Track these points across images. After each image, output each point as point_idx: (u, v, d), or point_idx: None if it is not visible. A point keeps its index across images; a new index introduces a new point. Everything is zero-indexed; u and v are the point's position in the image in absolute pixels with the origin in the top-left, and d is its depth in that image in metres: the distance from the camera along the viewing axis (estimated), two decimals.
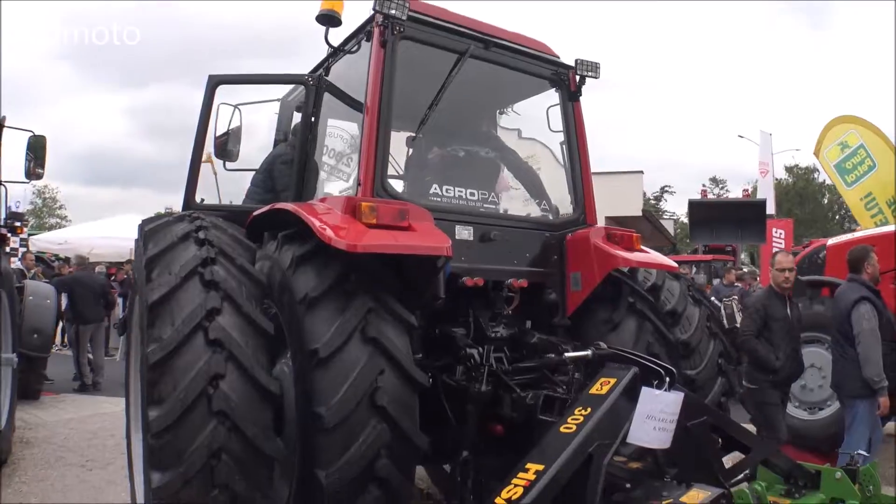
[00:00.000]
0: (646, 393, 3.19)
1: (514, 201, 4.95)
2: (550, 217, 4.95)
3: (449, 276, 4.11)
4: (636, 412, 3.15)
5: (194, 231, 3.73)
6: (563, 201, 4.98)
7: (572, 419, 3.11)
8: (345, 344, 3.41)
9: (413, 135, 4.75)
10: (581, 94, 4.99)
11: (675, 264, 4.90)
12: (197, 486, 3.08)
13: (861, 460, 4.35)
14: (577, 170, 4.93)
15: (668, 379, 3.26)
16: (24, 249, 16.29)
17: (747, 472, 4.18)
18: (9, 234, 8.39)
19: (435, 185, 4.47)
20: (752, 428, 6.09)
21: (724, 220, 19.39)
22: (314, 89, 4.92)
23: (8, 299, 7.33)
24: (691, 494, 3.02)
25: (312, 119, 4.96)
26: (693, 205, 20.79)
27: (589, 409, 3.13)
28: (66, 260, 16.06)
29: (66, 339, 14.43)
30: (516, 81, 5.04)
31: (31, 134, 7.82)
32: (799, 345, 6.15)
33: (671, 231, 37.13)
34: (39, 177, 7.89)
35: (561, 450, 2.92)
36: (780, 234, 18.64)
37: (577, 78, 4.98)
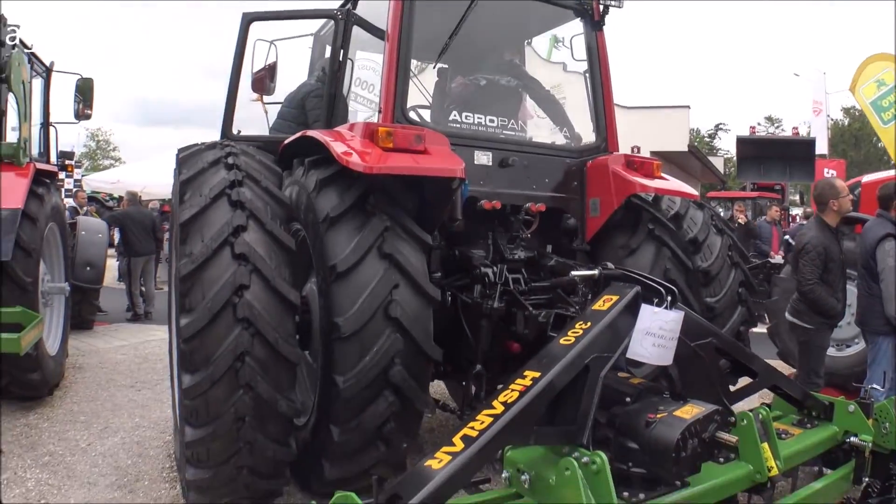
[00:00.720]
0: (645, 310, 3.30)
1: (537, 129, 5.04)
2: (572, 144, 5.03)
3: (467, 200, 4.25)
4: (636, 328, 3.28)
5: (224, 157, 3.99)
6: (585, 129, 5.04)
7: (572, 332, 3.24)
8: (362, 259, 3.63)
9: (441, 66, 4.85)
10: (604, 24, 5.00)
11: (695, 192, 4.93)
12: (223, 386, 3.37)
13: (876, 395, 4.39)
14: (599, 98, 4.98)
15: (668, 298, 3.36)
16: (77, 188, 16.95)
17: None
18: (59, 171, 8.80)
19: (455, 113, 4.59)
20: (777, 364, 6.14)
21: (772, 157, 18.92)
22: (343, 23, 5.04)
23: (59, 233, 7.71)
24: (685, 409, 3.14)
25: (342, 52, 5.09)
26: (741, 141, 20.23)
27: (589, 324, 3.26)
28: (120, 199, 16.65)
29: (119, 273, 15.06)
30: (540, 11, 5.07)
31: (79, 77, 8.21)
32: (846, 282, 5.94)
33: (721, 169, 36.07)
34: (88, 117, 8.33)
35: (558, 360, 3.07)
36: (832, 174, 18.11)
37: (601, 7, 4.98)
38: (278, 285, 3.51)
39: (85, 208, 15.48)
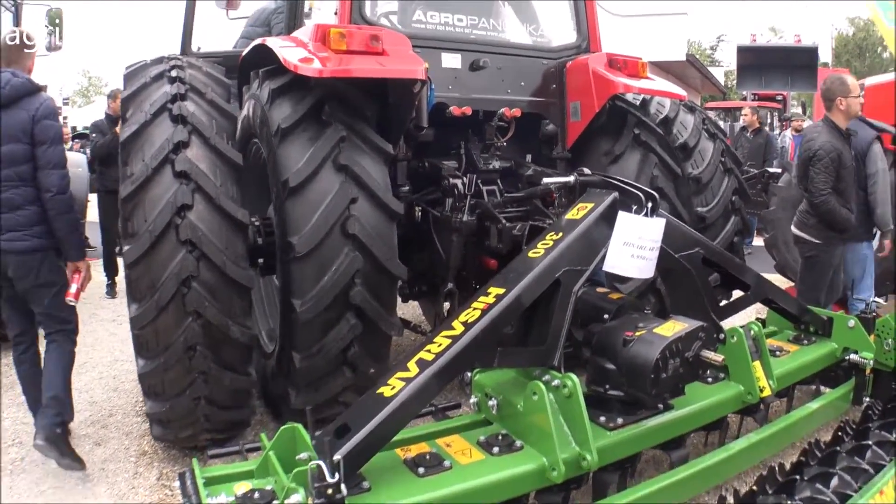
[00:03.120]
0: (623, 217, 3.01)
1: (511, 28, 4.60)
2: (550, 43, 4.61)
3: (435, 106, 3.92)
4: (612, 238, 3.00)
5: (168, 70, 3.68)
6: (565, 28, 4.62)
7: (542, 244, 2.96)
8: (315, 173, 3.36)
9: None
10: None
11: (683, 93, 4.55)
12: (170, 314, 3.19)
13: (875, 307, 4.11)
14: None
15: (649, 204, 3.06)
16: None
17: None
18: None
19: (419, 12, 4.18)
20: (775, 278, 5.86)
21: (773, 66, 18.12)
22: None
23: None
24: (667, 326, 2.88)
25: None
26: (741, 50, 19.41)
27: (560, 234, 2.98)
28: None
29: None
30: None
31: (49, 7, 7.83)
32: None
33: (722, 81, 35.03)
34: (59, 49, 7.95)
35: (525, 274, 2.80)
36: None
37: None
38: (224, 204, 3.25)
39: (69, 144, 15.06)
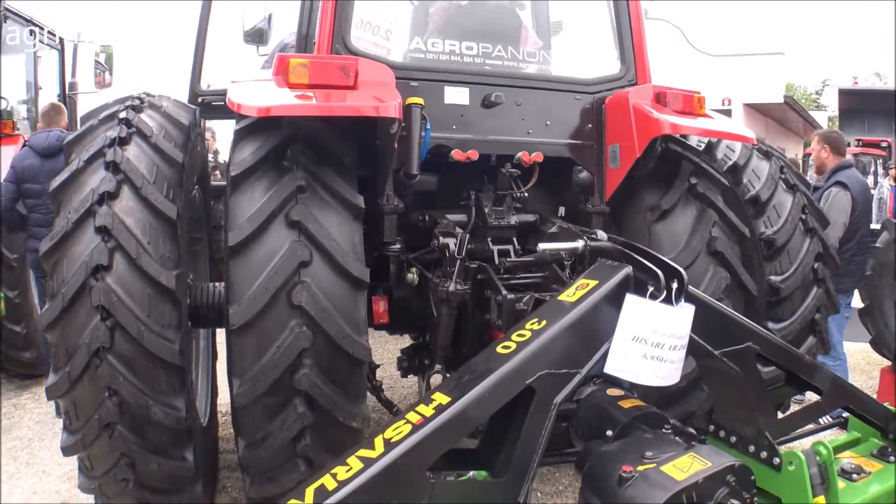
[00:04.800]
0: (631, 303, 2.23)
1: (536, 56, 3.86)
2: (586, 76, 3.84)
3: (434, 150, 3.30)
4: (617, 331, 2.23)
5: (122, 110, 3.24)
6: (606, 57, 3.85)
7: (517, 335, 2.23)
8: (262, 230, 2.80)
9: None
10: None
11: (751, 135, 3.67)
12: (85, 387, 2.80)
13: None
14: (624, 16, 3.77)
15: (674, 284, 2.27)
16: None
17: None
18: None
19: (417, 39, 3.56)
20: (868, 354, 4.80)
21: (877, 111, 16.57)
22: None
23: None
24: (683, 461, 2.07)
25: None
26: (843, 93, 18.00)
27: (543, 323, 2.24)
28: None
29: None
30: None
31: (99, 45, 8.09)
32: None
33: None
34: (109, 86, 8.16)
35: (483, 377, 2.08)
36: None
37: None
38: (145, 265, 2.75)
39: None
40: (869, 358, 6.66)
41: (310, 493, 1.89)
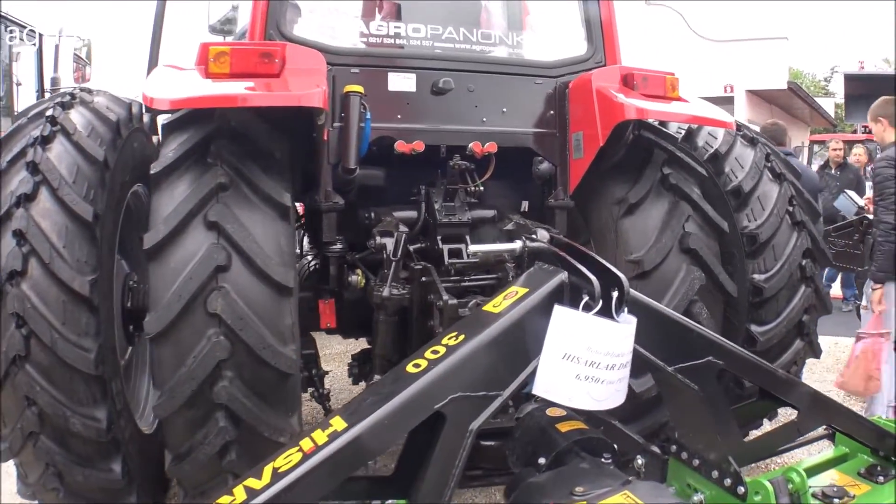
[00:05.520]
0: (560, 315, 2.00)
1: (491, 37, 3.55)
2: (548, 58, 3.58)
3: (377, 142, 3.08)
4: (544, 348, 2.00)
5: (51, 108, 3.07)
6: (572, 37, 3.58)
7: (431, 351, 2.00)
8: (177, 232, 2.61)
9: None
10: None
11: (730, 119, 3.39)
12: (8, 396, 2.72)
13: None
14: None
15: (614, 293, 2.02)
16: None
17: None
18: None
19: (361, 23, 3.33)
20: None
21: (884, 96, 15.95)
22: None
23: None
24: (614, 501, 1.82)
25: None
26: (849, 79, 17.33)
27: (461, 338, 2.01)
28: None
29: None
30: None
31: (78, 39, 7.97)
32: None
33: (831, 112, 31.77)
34: (88, 81, 8.06)
35: (386, 399, 1.87)
36: None
37: None
38: (58, 270, 2.62)
39: None
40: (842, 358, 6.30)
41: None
